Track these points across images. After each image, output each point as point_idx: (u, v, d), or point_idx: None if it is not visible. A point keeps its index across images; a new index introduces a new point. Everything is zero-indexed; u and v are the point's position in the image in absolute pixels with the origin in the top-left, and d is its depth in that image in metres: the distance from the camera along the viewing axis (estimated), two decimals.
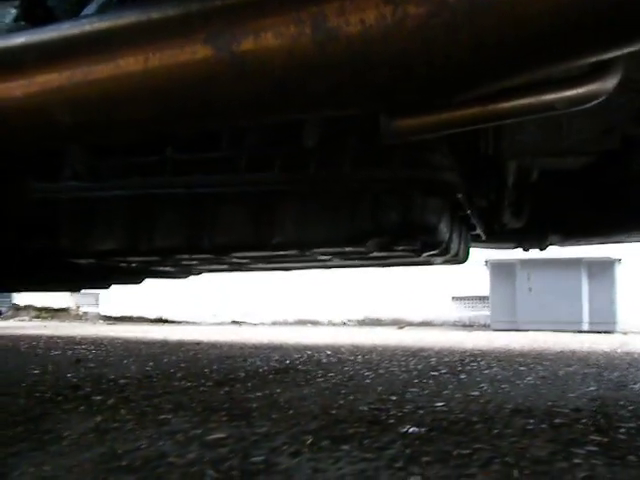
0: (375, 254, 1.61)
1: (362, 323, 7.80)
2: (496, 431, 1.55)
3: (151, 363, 3.24)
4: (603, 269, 6.84)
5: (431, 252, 1.56)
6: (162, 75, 0.75)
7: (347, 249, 1.49)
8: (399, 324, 7.59)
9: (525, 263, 6.97)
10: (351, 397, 2.07)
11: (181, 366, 3.08)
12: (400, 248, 1.47)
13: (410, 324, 7.68)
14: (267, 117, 0.85)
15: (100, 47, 0.80)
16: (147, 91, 0.78)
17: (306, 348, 4.14)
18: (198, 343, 4.69)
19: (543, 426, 1.63)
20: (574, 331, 6.47)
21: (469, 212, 1.68)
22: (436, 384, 2.42)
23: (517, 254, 6.89)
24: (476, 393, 2.20)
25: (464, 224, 1.86)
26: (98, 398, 2.08)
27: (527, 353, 3.91)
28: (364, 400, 2.01)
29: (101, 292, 9.99)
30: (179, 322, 8.78)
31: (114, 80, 0.78)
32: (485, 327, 7.26)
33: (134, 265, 1.94)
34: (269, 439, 1.43)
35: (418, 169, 1.33)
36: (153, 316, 9.17)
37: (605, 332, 6.50)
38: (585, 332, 6.54)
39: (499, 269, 7.09)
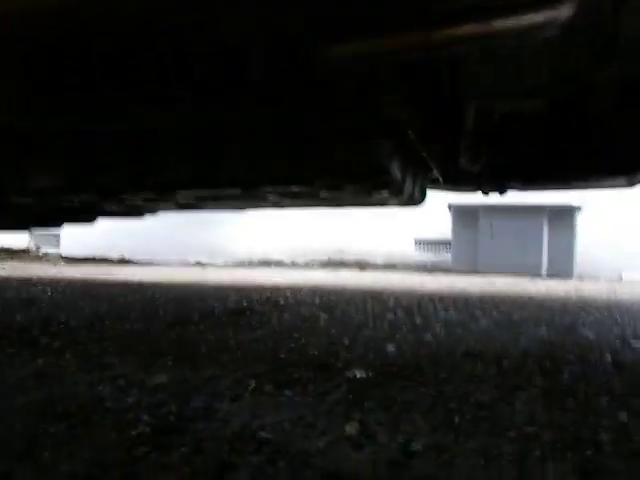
0: (325, 194, 1.56)
1: (326, 265, 7.83)
2: (444, 376, 1.55)
3: (106, 305, 3.18)
4: (563, 216, 6.94)
5: (383, 193, 1.51)
6: None
7: (295, 189, 1.43)
8: (362, 266, 7.64)
9: (488, 209, 7.03)
10: (303, 340, 2.06)
11: (136, 307, 3.03)
12: (349, 188, 1.42)
13: (373, 266, 7.74)
14: None
15: None
16: None
17: (266, 289, 4.12)
18: (158, 284, 4.63)
19: (491, 370, 1.64)
20: (533, 276, 6.61)
21: (425, 154, 1.63)
22: (390, 327, 2.43)
23: (480, 199, 6.94)
24: (428, 336, 2.21)
25: (420, 166, 1.80)
26: (45, 341, 2.03)
27: (485, 297, 3.96)
28: (316, 343, 2.00)
29: (62, 233, 9.80)
30: (143, 263, 8.68)
31: None
32: (447, 270, 7.35)
33: (77, 204, 1.85)
34: (212, 383, 1.40)
35: (362, 106, 1.25)
36: (117, 257, 9.05)
37: (562, 277, 6.65)
38: (543, 277, 6.68)
39: (462, 214, 7.14)
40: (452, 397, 1.33)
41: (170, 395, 1.30)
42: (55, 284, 4.61)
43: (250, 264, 8.18)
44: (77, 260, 9.20)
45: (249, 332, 2.23)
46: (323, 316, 2.71)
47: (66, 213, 2.62)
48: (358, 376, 1.51)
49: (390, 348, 1.94)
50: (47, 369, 1.58)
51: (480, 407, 1.26)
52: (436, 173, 2.03)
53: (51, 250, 10.10)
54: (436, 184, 2.44)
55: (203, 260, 8.49)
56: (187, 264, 8.43)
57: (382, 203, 1.86)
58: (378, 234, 7.85)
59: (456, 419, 1.17)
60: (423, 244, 7.93)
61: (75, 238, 9.34)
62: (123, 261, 8.92)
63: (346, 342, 2.04)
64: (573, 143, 2.44)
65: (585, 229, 7.05)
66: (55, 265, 8.53)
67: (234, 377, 1.47)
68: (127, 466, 0.91)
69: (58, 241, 10.25)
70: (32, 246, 10.27)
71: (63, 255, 9.64)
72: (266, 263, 8.06)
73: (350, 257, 7.95)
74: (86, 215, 2.78)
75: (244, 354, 1.78)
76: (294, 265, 7.85)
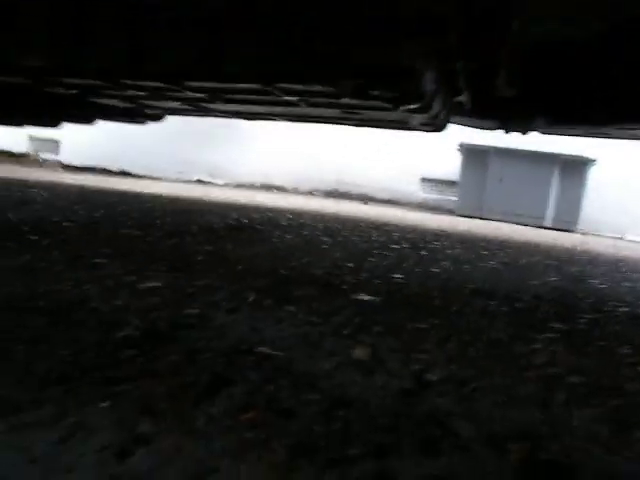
0: (347, 102, 1.41)
1: (328, 195, 7.68)
2: (455, 309, 1.46)
3: (102, 211, 3.06)
4: (576, 168, 6.76)
5: (411, 105, 1.36)
6: None
7: (316, 88, 1.28)
8: (365, 200, 7.50)
9: (499, 152, 6.83)
10: (305, 260, 1.95)
11: (133, 216, 2.91)
12: (376, 94, 1.27)
13: (377, 201, 7.59)
14: None
15: None
16: None
17: (267, 210, 4.00)
18: (157, 196, 4.51)
19: (504, 309, 1.54)
20: (536, 225, 6.50)
21: (459, 66, 1.47)
22: (396, 257, 2.32)
23: (493, 141, 6.74)
24: (437, 270, 2.11)
25: (451, 84, 1.65)
26: (34, 238, 1.92)
27: (491, 240, 3.86)
28: (318, 264, 1.89)
29: (62, 140, 9.63)
30: (143, 177, 8.52)
31: None
32: (450, 212, 7.22)
33: (73, 92, 1.69)
34: (208, 293, 1.30)
35: None
36: (117, 168, 8.88)
37: (565, 230, 6.55)
38: (546, 228, 6.58)
39: (472, 155, 6.93)
40: (466, 330, 1.23)
41: (162, 301, 1.19)
42: (52, 188, 4.47)
43: (251, 187, 8.03)
44: (76, 168, 9.03)
45: (248, 248, 2.12)
46: (326, 240, 2.60)
47: (63, 107, 2.46)
48: (365, 299, 1.41)
49: (397, 277, 1.84)
50: (32, 264, 1.48)
51: (497, 344, 1.17)
52: (464, 97, 1.87)
53: (50, 156, 9.93)
54: (461, 114, 2.28)
55: (203, 179, 8.34)
56: (187, 181, 8.27)
57: (405, 122, 1.71)
58: (384, 169, 7.67)
59: (472, 353, 1.07)
60: (429, 183, 7.76)
61: (75, 147, 9.16)
62: (123, 173, 8.75)
63: (350, 266, 1.93)
64: (612, 85, 2.27)
65: (596, 183, 6.88)
66: (54, 171, 8.38)
67: (231, 289, 1.36)
68: (109, 369, 0.81)
69: (58, 148, 10.06)
70: (31, 152, 10.09)
71: (62, 162, 9.47)
72: (267, 187, 7.92)
73: (353, 190, 7.80)
74: (84, 112, 2.62)
75: (243, 268, 1.67)
76: (296, 192, 7.70)
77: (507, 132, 2.74)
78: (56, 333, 0.95)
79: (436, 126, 1.82)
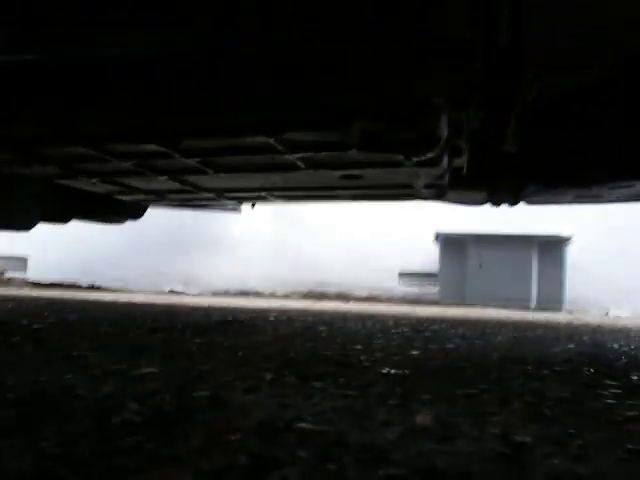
0: (353, 157, 1.29)
1: (306, 296, 7.49)
2: (494, 375, 1.27)
3: (74, 315, 2.83)
4: (553, 247, 6.78)
5: (425, 152, 1.24)
6: None
7: (327, 137, 1.15)
8: (344, 298, 7.33)
9: (476, 238, 6.83)
10: (310, 344, 1.75)
11: (110, 316, 2.69)
12: (391, 139, 1.15)
13: (355, 298, 7.42)
14: None
15: None
16: None
17: (251, 310, 3.79)
18: (131, 304, 4.28)
19: (545, 372, 1.36)
20: (522, 308, 6.39)
21: (465, 116, 1.37)
22: (402, 338, 2.14)
23: (469, 229, 6.75)
24: (451, 346, 1.92)
25: (455, 139, 1.55)
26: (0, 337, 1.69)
27: (486, 321, 3.70)
28: (326, 347, 1.69)
29: (29, 256, 9.41)
30: (114, 290, 8.25)
31: None
32: (433, 303, 7.09)
33: (59, 168, 1.52)
34: (215, 375, 1.10)
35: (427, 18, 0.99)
36: (86, 282, 8.60)
37: (552, 310, 6.45)
38: (533, 309, 6.47)
39: (450, 244, 6.92)
40: (523, 392, 1.05)
41: (162, 384, 0.99)
42: (18, 300, 4.21)
43: (227, 293, 7.82)
44: (44, 285, 8.73)
45: (243, 338, 1.91)
46: (323, 329, 2.41)
47: (40, 203, 2.29)
48: (393, 372, 1.22)
49: (414, 353, 1.65)
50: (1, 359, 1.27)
51: (567, 402, 0.98)
52: (463, 159, 1.78)
53: (17, 275, 9.63)
54: (453, 181, 2.20)
55: (177, 288, 8.11)
56: (160, 291, 8.02)
57: (410, 185, 1.60)
58: (360, 267, 7.58)
59: (547, 412, 0.88)
60: (407, 277, 7.67)
61: (42, 263, 8.94)
62: (92, 287, 8.48)
63: (360, 348, 1.74)
64: (599, 141, 2.22)
65: (572, 262, 6.90)
66: (20, 288, 8.06)
67: (241, 371, 1.16)
68: (111, 458, 0.61)
69: (25, 265, 9.81)
70: None
71: (30, 280, 9.17)
72: (244, 293, 7.71)
73: (331, 289, 7.64)
74: (60, 211, 2.48)
75: (245, 353, 1.47)
76: (273, 296, 7.50)
77: (495, 205, 2.66)
78: (32, 426, 0.74)
79: (440, 188, 1.71)
